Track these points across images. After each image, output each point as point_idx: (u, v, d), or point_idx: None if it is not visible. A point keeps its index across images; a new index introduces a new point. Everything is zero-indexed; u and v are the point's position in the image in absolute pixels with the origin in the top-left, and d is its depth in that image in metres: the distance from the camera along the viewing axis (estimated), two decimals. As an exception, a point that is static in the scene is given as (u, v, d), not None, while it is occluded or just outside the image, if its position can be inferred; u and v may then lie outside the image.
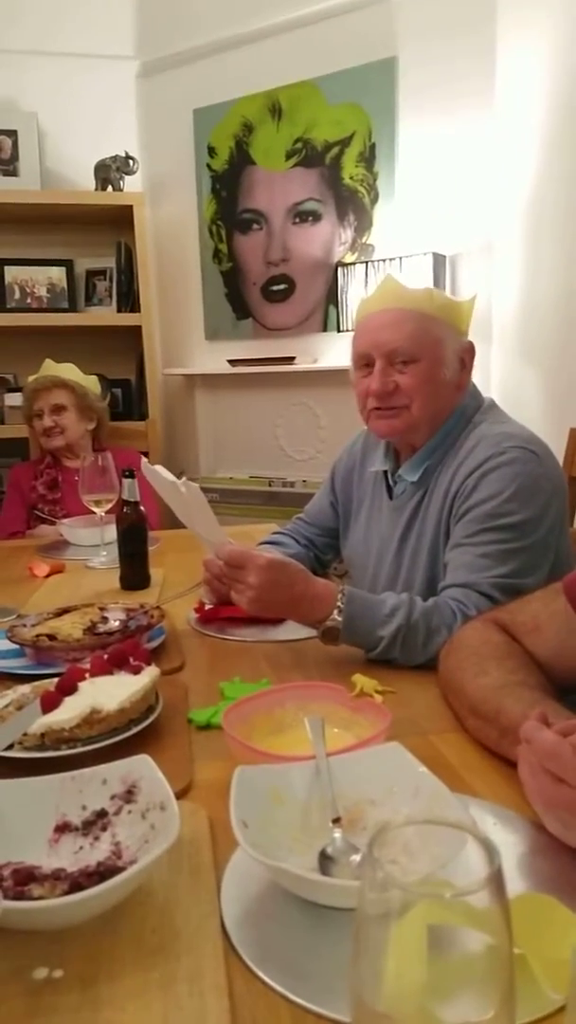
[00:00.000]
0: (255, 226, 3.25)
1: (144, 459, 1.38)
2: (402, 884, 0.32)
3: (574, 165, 2.29)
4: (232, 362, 3.21)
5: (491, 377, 2.77)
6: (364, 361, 1.30)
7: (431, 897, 0.32)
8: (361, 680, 0.98)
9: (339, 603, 1.09)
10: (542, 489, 1.19)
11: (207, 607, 1.33)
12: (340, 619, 1.08)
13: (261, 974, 0.53)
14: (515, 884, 0.63)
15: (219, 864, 0.65)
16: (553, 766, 0.65)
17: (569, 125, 2.30)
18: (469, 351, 1.30)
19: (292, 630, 1.22)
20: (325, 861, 0.62)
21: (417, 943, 0.34)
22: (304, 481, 3.04)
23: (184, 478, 1.24)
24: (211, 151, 3.29)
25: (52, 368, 2.45)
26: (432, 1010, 0.34)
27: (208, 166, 3.31)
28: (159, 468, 1.28)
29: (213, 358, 3.37)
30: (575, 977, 0.27)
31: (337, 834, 0.64)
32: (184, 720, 0.93)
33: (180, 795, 0.75)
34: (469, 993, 0.34)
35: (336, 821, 0.65)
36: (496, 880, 0.32)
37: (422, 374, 1.25)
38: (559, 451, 1.93)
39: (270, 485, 3.13)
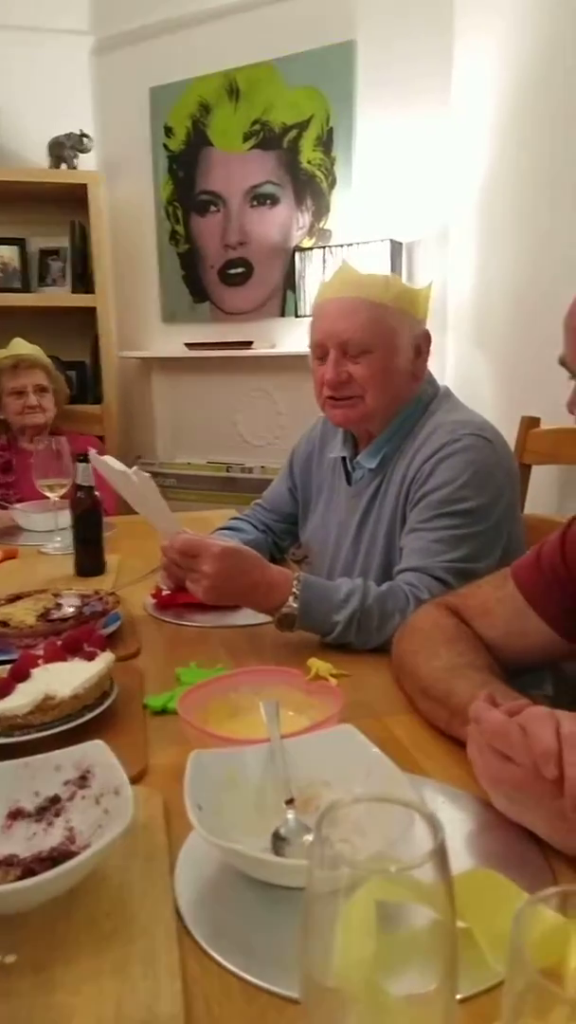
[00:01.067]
0: (213, 208, 3.21)
1: (93, 451, 1.36)
2: (350, 861, 0.33)
3: (527, 154, 2.31)
4: (189, 346, 3.18)
5: (447, 364, 2.80)
6: (320, 351, 1.30)
7: (378, 873, 0.32)
8: (316, 664, 0.98)
9: (295, 589, 1.09)
10: (495, 476, 1.22)
11: (164, 593, 1.32)
12: (296, 605, 1.09)
13: (214, 954, 0.54)
14: (463, 860, 0.65)
15: (174, 848, 0.65)
16: (500, 744, 0.67)
17: (522, 114, 2.32)
18: (425, 339, 1.31)
19: (249, 616, 1.22)
20: (278, 842, 0.63)
21: (365, 919, 0.34)
22: (263, 467, 3.04)
23: (135, 467, 1.23)
24: (168, 131, 3.24)
25: (26, 347, 2.45)
26: (379, 983, 0.34)
27: (165, 146, 3.26)
28: (108, 458, 1.26)
29: (170, 341, 3.34)
30: (514, 941, 0.28)
31: (290, 815, 0.65)
32: (140, 706, 0.93)
33: (135, 780, 0.75)
34: (415, 966, 0.35)
35: (290, 802, 0.66)
36: (440, 854, 0.33)
37: (376, 364, 1.26)
38: (511, 438, 1.97)
39: (228, 471, 3.12)
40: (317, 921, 0.34)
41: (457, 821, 0.71)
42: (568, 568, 0.92)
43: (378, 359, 1.26)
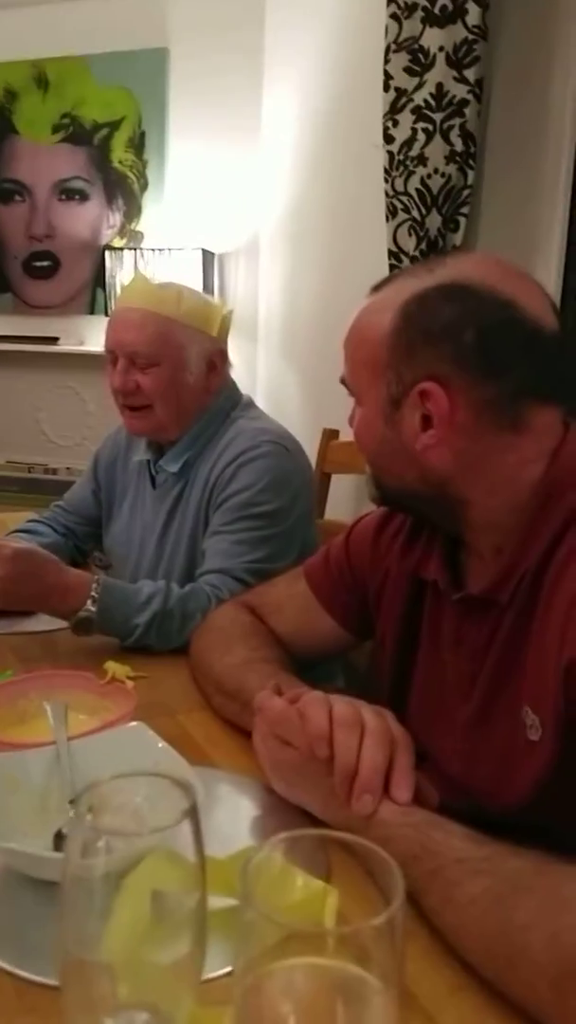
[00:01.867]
0: (17, 197, 3.08)
1: None
2: (104, 830, 0.35)
3: (330, 179, 2.45)
4: (-11, 338, 3.02)
5: (257, 376, 2.89)
6: (111, 356, 1.32)
7: (128, 838, 0.35)
8: (113, 667, 0.99)
9: (93, 593, 1.08)
10: (291, 482, 1.29)
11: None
12: (94, 609, 1.08)
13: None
14: (246, 840, 0.69)
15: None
16: (280, 730, 0.72)
17: (326, 140, 2.46)
18: (219, 355, 1.35)
19: (44, 622, 1.19)
20: (60, 841, 0.63)
21: (132, 893, 0.37)
22: (68, 468, 2.96)
23: None
24: (-32, 112, 3.06)
25: None
26: (140, 953, 0.37)
27: (-35, 128, 3.08)
28: None
29: (-34, 332, 3.14)
30: (245, 884, 0.32)
31: (72, 814, 0.65)
32: None
33: None
34: (170, 934, 0.38)
35: (73, 802, 0.66)
36: (192, 815, 0.36)
37: (162, 377, 1.28)
38: (313, 448, 2.08)
39: (30, 471, 3.00)
40: (72, 897, 0.36)
41: (242, 806, 0.75)
42: (352, 568, 0.99)
43: (165, 372, 1.28)
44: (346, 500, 2.33)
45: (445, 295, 0.72)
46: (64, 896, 0.36)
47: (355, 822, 0.66)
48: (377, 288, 0.79)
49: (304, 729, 0.69)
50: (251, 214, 2.83)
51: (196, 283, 2.58)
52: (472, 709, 0.78)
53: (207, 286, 2.71)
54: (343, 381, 0.83)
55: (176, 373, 1.29)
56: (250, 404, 1.43)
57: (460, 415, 0.72)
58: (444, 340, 0.71)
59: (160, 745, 0.72)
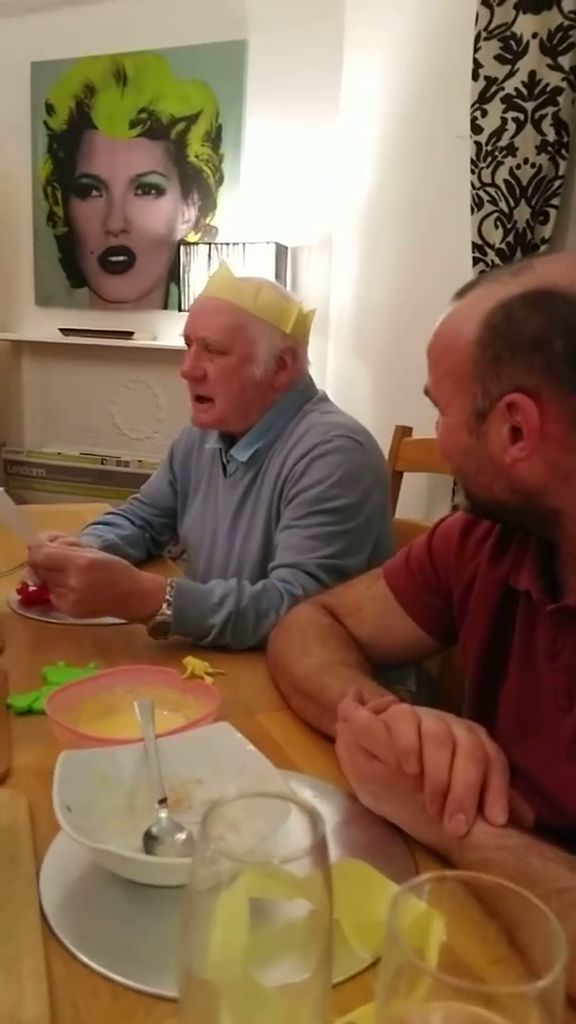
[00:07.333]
0: (94, 192, 3.12)
1: None
2: (232, 856, 0.33)
3: (410, 170, 2.40)
4: (65, 331, 3.07)
5: (327, 372, 2.86)
6: (187, 341, 1.33)
7: (260, 868, 0.33)
8: (192, 663, 0.98)
9: (168, 596, 1.08)
10: (364, 477, 1.26)
11: (31, 588, 1.27)
12: (169, 613, 1.07)
13: (81, 956, 0.53)
14: (331, 851, 0.66)
15: (40, 851, 0.63)
16: (366, 743, 0.70)
17: (407, 130, 2.41)
18: (291, 353, 1.33)
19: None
20: (150, 841, 0.62)
21: (241, 913, 0.35)
22: (140, 461, 2.99)
23: None
24: (49, 108, 3.12)
25: None
26: (253, 975, 0.35)
27: (46, 124, 3.13)
28: None
29: (44, 325, 3.21)
30: (389, 926, 0.30)
31: (163, 814, 0.64)
32: (3, 706, 0.89)
33: (-2, 782, 0.72)
34: (289, 957, 0.36)
35: (162, 802, 0.65)
36: (320, 847, 0.34)
37: (228, 368, 1.28)
38: (385, 446, 2.04)
39: (103, 463, 3.04)
40: (198, 917, 0.34)
41: (326, 814, 0.73)
42: (435, 569, 0.96)
43: (232, 363, 1.28)
44: (419, 498, 2.29)
45: (532, 303, 0.68)
46: (186, 916, 0.34)
47: (447, 842, 0.63)
48: (461, 294, 0.76)
49: (392, 744, 0.67)
50: (326, 208, 2.80)
51: (268, 277, 2.57)
52: (572, 723, 0.74)
53: (279, 280, 2.70)
54: (427, 391, 0.80)
55: (243, 365, 1.29)
56: (324, 398, 1.42)
57: (551, 427, 0.68)
58: (533, 351, 0.67)
59: (249, 748, 0.70)
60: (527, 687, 0.81)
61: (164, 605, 1.07)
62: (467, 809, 0.63)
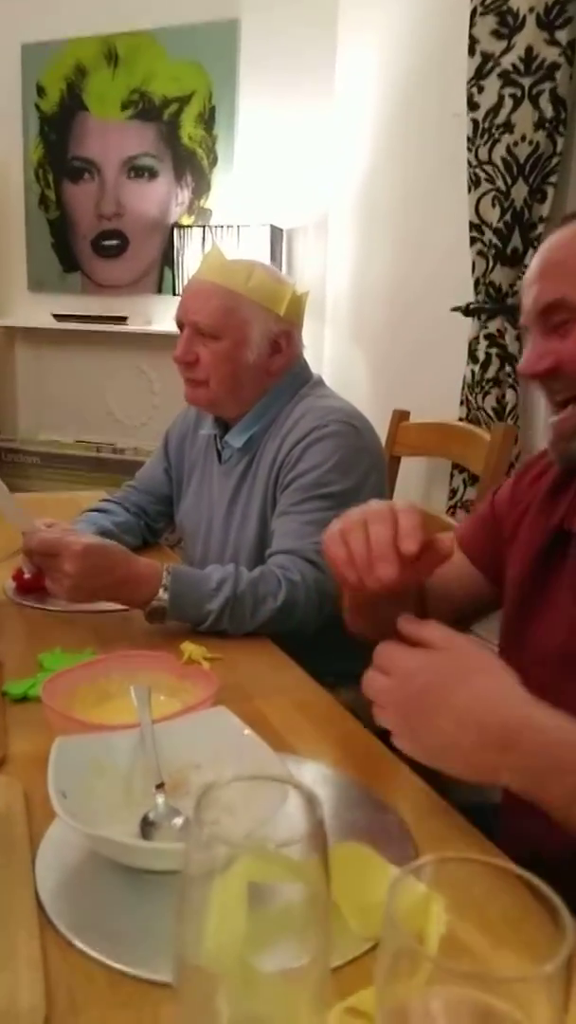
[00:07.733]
0: (86, 175, 3.09)
1: None
2: (227, 840, 0.32)
3: (407, 152, 2.38)
4: (58, 317, 3.05)
5: (323, 356, 2.84)
6: (178, 325, 1.32)
7: (256, 851, 0.32)
8: (189, 648, 0.97)
9: (164, 582, 1.07)
10: (361, 461, 1.25)
11: (26, 576, 1.26)
12: (166, 598, 1.07)
13: (77, 943, 0.52)
14: (329, 834, 0.66)
15: (36, 838, 0.62)
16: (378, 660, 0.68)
17: (403, 110, 2.38)
18: (284, 336, 1.31)
19: (119, 599, 1.18)
20: (147, 827, 0.62)
21: (238, 898, 0.34)
22: (135, 448, 2.97)
23: None
24: (40, 90, 3.08)
25: None
26: (250, 961, 0.34)
27: (37, 106, 3.09)
28: None
29: (36, 311, 3.18)
30: (388, 909, 0.29)
31: (160, 799, 0.64)
32: (-1, 693, 0.88)
33: (-7, 769, 0.71)
34: (288, 942, 0.35)
35: (160, 787, 0.65)
36: (318, 830, 0.34)
37: (221, 352, 1.27)
38: (382, 430, 2.03)
39: (98, 451, 3.02)
40: (193, 903, 0.33)
41: (324, 797, 0.72)
42: (495, 515, 0.96)
43: (225, 347, 1.27)
44: (416, 483, 2.28)
45: None
46: (181, 902, 0.33)
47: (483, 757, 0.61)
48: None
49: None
50: (321, 190, 2.78)
51: (263, 260, 2.55)
52: None
53: (274, 263, 2.67)
54: (555, 305, 0.76)
55: (236, 349, 1.27)
56: (319, 383, 1.40)
57: None
58: None
59: (246, 732, 0.69)
60: (562, 627, 0.80)
61: (161, 590, 1.06)
62: (386, 557, 0.68)
